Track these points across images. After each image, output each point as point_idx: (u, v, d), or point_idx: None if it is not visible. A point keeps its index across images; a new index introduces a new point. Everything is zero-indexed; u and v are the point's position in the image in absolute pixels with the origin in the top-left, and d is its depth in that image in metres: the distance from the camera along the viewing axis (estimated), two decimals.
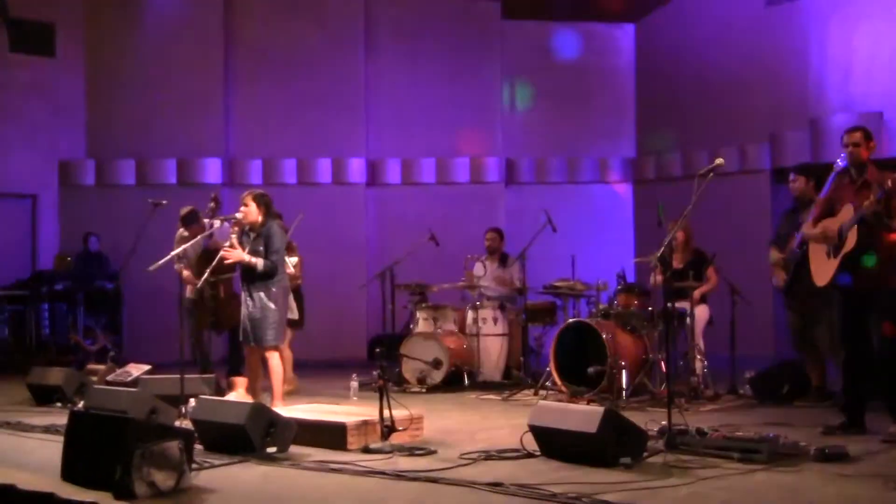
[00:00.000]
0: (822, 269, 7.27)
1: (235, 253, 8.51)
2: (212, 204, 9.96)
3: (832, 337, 8.35)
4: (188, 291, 9.76)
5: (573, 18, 15.90)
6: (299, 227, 10.58)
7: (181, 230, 10.16)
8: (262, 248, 8.55)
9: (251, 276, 8.58)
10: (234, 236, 8.60)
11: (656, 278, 9.68)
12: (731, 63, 14.53)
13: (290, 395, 9.91)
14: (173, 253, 8.86)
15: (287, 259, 9.30)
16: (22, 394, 9.87)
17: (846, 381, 7.30)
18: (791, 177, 9.12)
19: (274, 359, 8.65)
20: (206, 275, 8.75)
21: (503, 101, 15.72)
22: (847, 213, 7.06)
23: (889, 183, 6.75)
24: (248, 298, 8.60)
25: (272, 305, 8.54)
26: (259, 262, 8.48)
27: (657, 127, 15.45)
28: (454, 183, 15.58)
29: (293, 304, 10.02)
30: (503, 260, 11.64)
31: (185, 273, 9.69)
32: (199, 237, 9.54)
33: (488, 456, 6.42)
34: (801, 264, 8.38)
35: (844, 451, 6.16)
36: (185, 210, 10.15)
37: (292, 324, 10.12)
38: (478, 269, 11.66)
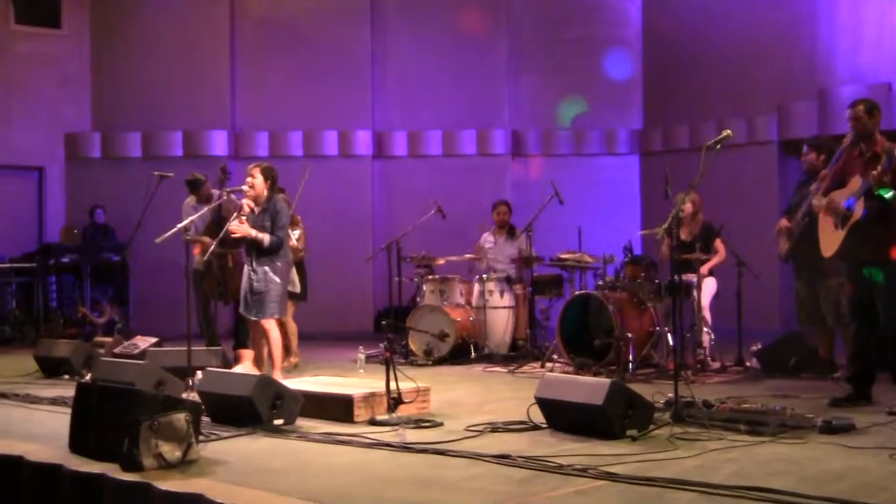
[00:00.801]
0: (830, 241, 7.26)
1: (243, 228, 8.51)
2: (220, 174, 9.96)
3: (837, 308, 8.35)
4: (196, 263, 9.76)
5: None
6: (307, 183, 10.59)
7: (189, 198, 10.20)
8: (267, 223, 8.55)
9: (257, 250, 8.58)
10: (244, 216, 8.57)
11: (663, 250, 9.66)
12: (738, 34, 14.44)
13: (295, 368, 9.95)
14: (180, 225, 8.83)
15: (290, 232, 9.29)
16: (29, 366, 9.91)
17: (854, 352, 7.29)
18: (804, 149, 9.05)
19: (273, 330, 8.66)
20: (213, 246, 8.76)
21: (509, 73, 15.65)
22: (855, 184, 7.04)
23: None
24: (253, 272, 8.61)
25: (276, 279, 8.56)
26: (265, 238, 8.48)
27: (664, 98, 15.38)
28: (461, 155, 15.54)
29: (295, 278, 10.02)
30: (511, 233, 11.61)
31: (202, 238, 9.64)
32: (206, 208, 9.55)
33: (495, 428, 6.42)
34: (805, 234, 8.37)
35: (851, 423, 6.15)
36: (189, 177, 10.20)
37: (294, 297, 10.12)
38: (486, 239, 11.64)
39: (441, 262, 11.58)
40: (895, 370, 7.13)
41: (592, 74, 15.68)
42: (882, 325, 7.04)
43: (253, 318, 8.70)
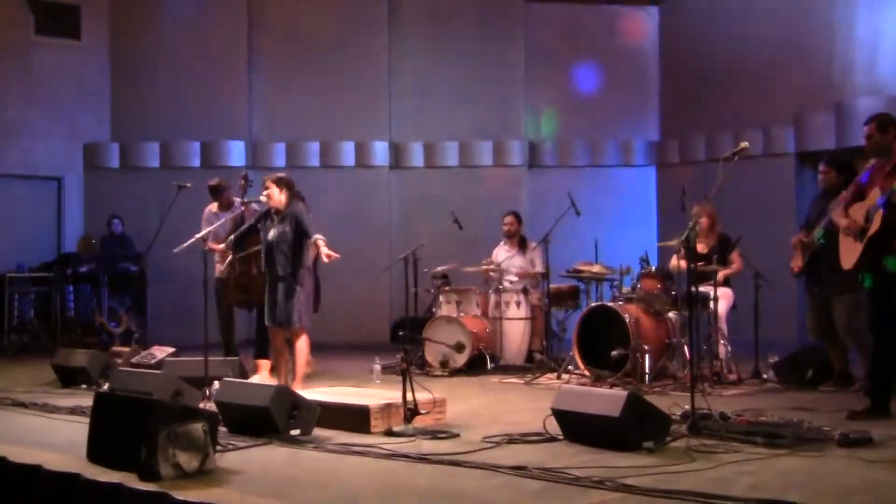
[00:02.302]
0: (849, 252, 7.25)
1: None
2: (242, 182, 9.98)
3: (849, 321, 8.33)
4: (217, 271, 9.75)
5: (597, 0, 15.83)
6: (324, 193, 10.62)
7: (211, 205, 10.20)
8: (288, 229, 8.55)
9: (281, 258, 8.56)
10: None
11: (679, 262, 9.61)
12: (756, 45, 14.43)
13: (309, 377, 9.94)
14: (199, 234, 8.86)
15: None
16: (47, 375, 9.94)
17: (873, 365, 7.27)
18: (822, 167, 8.95)
19: (301, 340, 8.67)
20: (229, 255, 8.77)
21: (526, 85, 15.66)
22: (875, 196, 7.04)
23: None
24: (277, 280, 8.59)
25: (299, 287, 8.56)
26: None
27: (681, 110, 15.37)
28: (477, 166, 15.56)
29: None
30: (522, 244, 11.60)
31: (216, 246, 9.61)
32: (225, 218, 9.57)
33: (511, 439, 6.41)
34: (819, 253, 8.34)
35: (869, 436, 6.13)
36: (213, 182, 10.20)
37: None
38: (499, 253, 11.64)
39: (456, 268, 11.58)
40: None
41: (609, 85, 15.70)
42: None
43: (277, 328, 8.69)
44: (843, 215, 7.34)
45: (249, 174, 10.51)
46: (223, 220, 9.56)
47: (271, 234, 8.61)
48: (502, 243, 11.73)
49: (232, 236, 8.83)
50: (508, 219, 11.74)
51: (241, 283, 9.72)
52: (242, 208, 9.65)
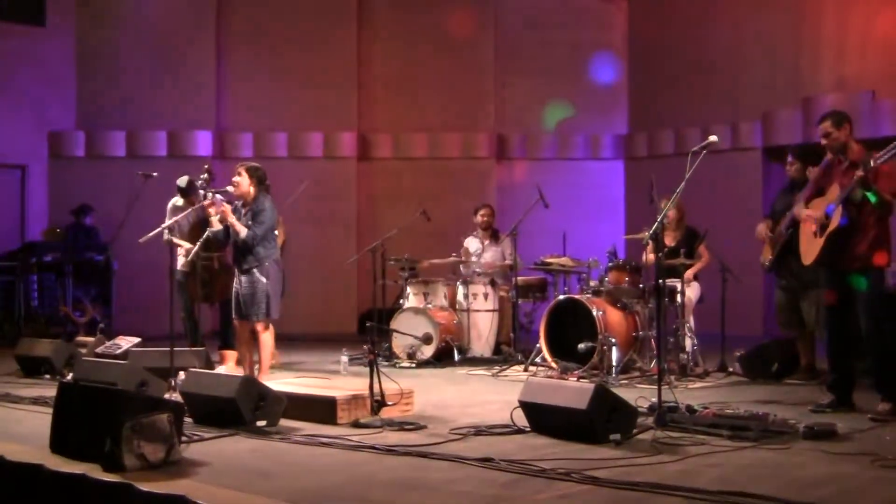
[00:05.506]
0: (810, 249, 7.30)
1: (226, 208, 8.48)
2: (205, 175, 9.90)
3: (818, 315, 8.39)
4: (180, 264, 9.69)
5: None
6: (296, 198, 10.62)
7: (175, 199, 10.09)
8: (250, 222, 8.52)
9: (243, 252, 8.54)
10: (231, 217, 8.54)
11: (647, 256, 9.66)
12: (724, 40, 14.52)
13: (273, 369, 9.89)
14: (164, 225, 8.79)
15: None
16: (10, 365, 9.86)
17: (833, 359, 7.32)
18: (789, 159, 9.08)
19: (264, 333, 8.64)
20: (196, 246, 8.72)
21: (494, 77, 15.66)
22: (834, 193, 7.10)
23: (871, 162, 6.76)
24: (240, 274, 8.57)
25: (264, 279, 8.52)
26: (242, 231, 8.44)
27: (649, 104, 15.42)
28: (445, 158, 15.55)
29: None
30: (495, 236, 11.63)
31: (181, 243, 9.57)
32: (190, 209, 9.50)
33: (478, 431, 6.41)
34: (787, 245, 8.40)
35: (833, 428, 6.18)
36: (183, 180, 10.08)
37: None
38: (472, 244, 11.63)
39: (425, 264, 11.59)
40: (875, 376, 7.15)
41: (578, 79, 15.72)
42: (862, 331, 7.06)
43: (243, 320, 8.65)
44: (805, 208, 7.41)
45: (214, 165, 10.43)
46: (186, 212, 9.48)
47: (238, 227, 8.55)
48: (475, 235, 11.73)
49: (202, 238, 8.75)
50: (484, 210, 11.76)
51: (203, 277, 9.65)
52: (209, 198, 9.57)
